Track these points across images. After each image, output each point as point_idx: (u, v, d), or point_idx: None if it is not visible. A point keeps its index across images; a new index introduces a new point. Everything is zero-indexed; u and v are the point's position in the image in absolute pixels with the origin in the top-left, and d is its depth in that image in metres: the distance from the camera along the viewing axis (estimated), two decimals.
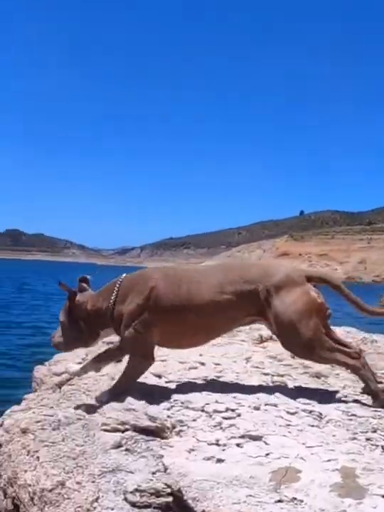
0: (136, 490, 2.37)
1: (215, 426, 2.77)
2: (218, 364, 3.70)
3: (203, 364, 3.30)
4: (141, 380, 3.15)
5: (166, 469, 2.44)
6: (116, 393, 3.06)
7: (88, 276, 3.29)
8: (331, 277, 3.11)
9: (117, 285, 3.11)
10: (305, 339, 2.92)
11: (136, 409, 2.84)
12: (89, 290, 3.24)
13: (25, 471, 2.68)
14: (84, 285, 3.25)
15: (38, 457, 2.69)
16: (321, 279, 3.06)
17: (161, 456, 2.55)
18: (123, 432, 2.75)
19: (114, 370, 3.46)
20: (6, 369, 8.67)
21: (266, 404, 3.01)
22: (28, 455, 2.77)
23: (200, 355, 3.82)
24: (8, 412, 3.37)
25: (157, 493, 2.36)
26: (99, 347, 3.56)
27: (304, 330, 2.89)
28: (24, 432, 2.92)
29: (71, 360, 4.06)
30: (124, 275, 3.19)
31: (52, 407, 3.13)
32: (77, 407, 3.05)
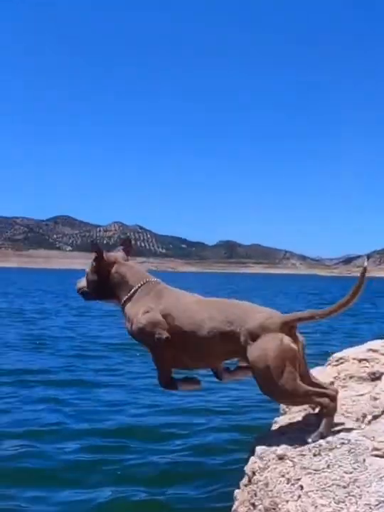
0: None
1: None
2: None
3: None
4: None
5: None
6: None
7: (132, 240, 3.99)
8: (303, 314, 3.27)
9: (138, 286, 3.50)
10: (279, 388, 3.12)
11: None
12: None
13: (287, 501, 2.71)
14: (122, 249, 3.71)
15: (301, 486, 2.71)
16: (299, 320, 3.23)
17: None
18: None
19: (376, 390, 3.39)
20: (245, 392, 8.80)
21: None
22: (288, 483, 2.80)
23: None
24: (258, 437, 3.45)
25: None
26: None
27: (277, 380, 3.11)
28: (281, 458, 2.95)
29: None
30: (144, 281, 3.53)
31: (309, 431, 3.10)
32: (339, 431, 3.01)
